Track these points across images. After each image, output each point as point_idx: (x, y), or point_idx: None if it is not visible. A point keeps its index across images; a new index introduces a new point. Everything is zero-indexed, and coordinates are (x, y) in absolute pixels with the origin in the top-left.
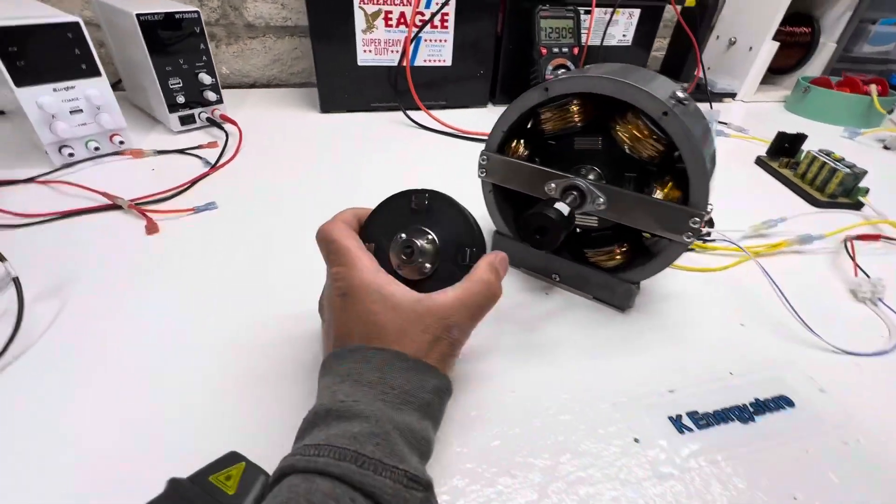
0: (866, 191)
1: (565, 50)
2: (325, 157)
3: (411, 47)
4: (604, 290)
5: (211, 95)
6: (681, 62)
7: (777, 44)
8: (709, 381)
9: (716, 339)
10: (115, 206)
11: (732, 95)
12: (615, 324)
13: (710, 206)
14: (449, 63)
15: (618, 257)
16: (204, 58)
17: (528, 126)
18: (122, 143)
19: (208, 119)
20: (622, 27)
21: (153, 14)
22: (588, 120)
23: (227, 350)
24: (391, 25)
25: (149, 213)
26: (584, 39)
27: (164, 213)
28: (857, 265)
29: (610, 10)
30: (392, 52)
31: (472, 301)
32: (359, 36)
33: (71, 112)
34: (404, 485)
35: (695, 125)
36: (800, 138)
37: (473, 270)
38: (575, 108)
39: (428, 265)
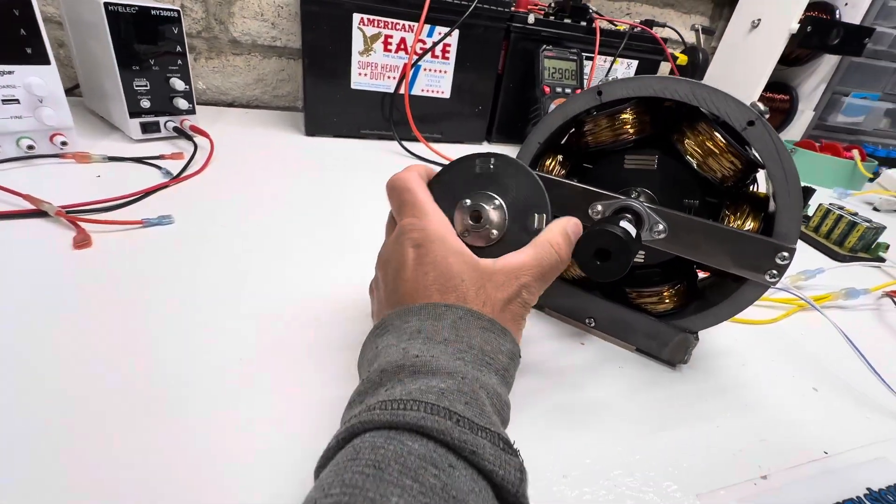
0: (887, 246)
1: (568, 91)
2: (306, 181)
3: (410, 74)
4: (652, 340)
5: (182, 103)
6: None
7: None
8: (803, 464)
9: (793, 408)
10: (39, 213)
11: None
12: (670, 383)
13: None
14: (447, 95)
15: (668, 300)
16: (179, 62)
17: (563, 142)
18: (64, 144)
19: (176, 129)
20: (621, 76)
21: (125, 5)
22: (644, 133)
23: (151, 405)
24: (390, 50)
25: (81, 223)
26: (585, 84)
27: (103, 225)
28: None
29: (610, 58)
30: (389, 77)
31: (542, 262)
32: (355, 58)
33: (3, 101)
34: (501, 448)
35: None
36: (809, 191)
37: (543, 233)
38: (629, 118)
39: (495, 231)
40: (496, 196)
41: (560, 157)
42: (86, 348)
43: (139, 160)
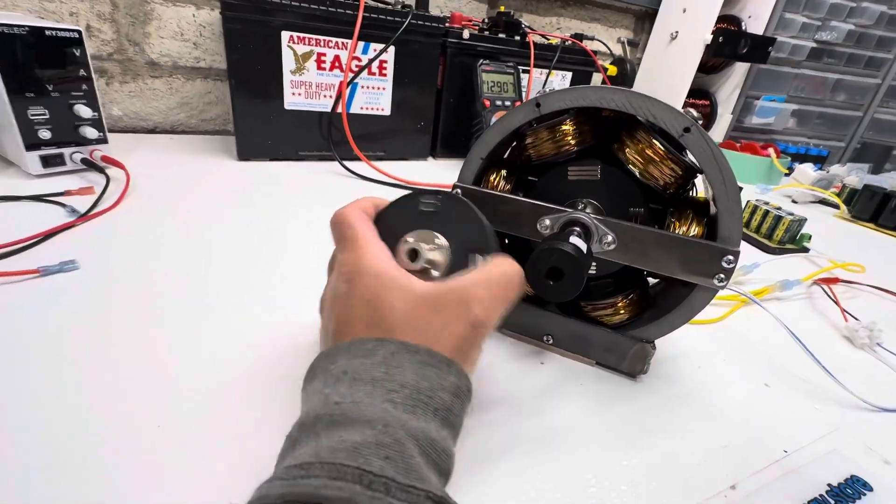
0: (810, 237)
1: (507, 103)
2: (239, 210)
3: (347, 92)
4: (610, 352)
5: (90, 132)
6: None
7: None
8: (767, 466)
9: (749, 408)
10: None
11: None
12: (631, 395)
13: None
14: (388, 112)
15: (623, 311)
16: (84, 87)
17: (506, 157)
18: None
19: (84, 161)
20: (558, 87)
21: (12, 26)
22: (585, 143)
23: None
24: (324, 69)
25: None
26: (524, 95)
27: None
28: (844, 310)
29: (546, 70)
30: (325, 96)
31: (496, 277)
32: (287, 77)
33: None
34: None
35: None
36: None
37: (492, 259)
38: (569, 129)
39: (435, 272)
40: (439, 235)
41: (504, 172)
42: None
43: (38, 198)
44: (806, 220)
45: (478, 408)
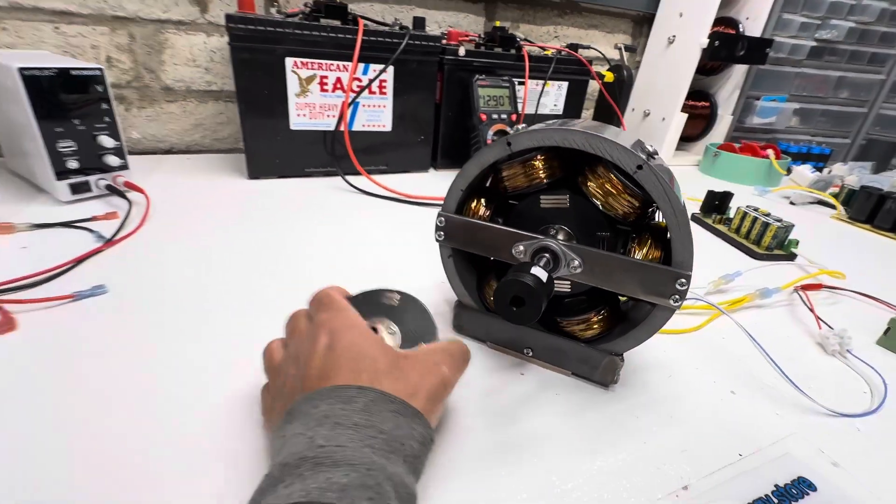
0: (797, 242)
1: (504, 116)
2: (252, 227)
3: (349, 112)
4: (584, 364)
5: (113, 160)
6: None
7: (685, 115)
8: (721, 469)
9: (712, 413)
10: None
11: None
12: (603, 404)
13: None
14: (389, 128)
15: (595, 326)
16: (106, 119)
17: (488, 184)
18: None
19: (108, 187)
20: (553, 97)
21: (41, 69)
22: (554, 176)
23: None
24: (327, 90)
25: (5, 305)
26: (520, 108)
27: (30, 304)
28: (818, 318)
29: (541, 82)
30: (328, 116)
31: (454, 349)
32: (292, 100)
33: None
34: None
35: (668, 179)
36: (727, 196)
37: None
38: (540, 164)
39: None
40: (393, 323)
41: (483, 200)
42: (14, 438)
43: (69, 224)
44: (794, 226)
45: (459, 413)
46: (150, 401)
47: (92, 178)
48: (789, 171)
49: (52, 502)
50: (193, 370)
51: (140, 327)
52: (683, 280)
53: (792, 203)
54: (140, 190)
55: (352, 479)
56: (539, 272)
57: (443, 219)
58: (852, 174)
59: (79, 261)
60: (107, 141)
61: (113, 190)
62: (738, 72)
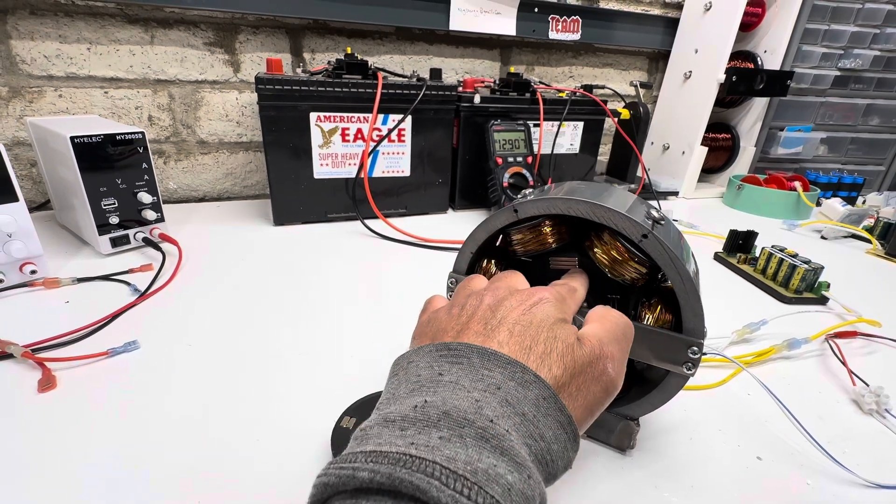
0: (828, 285)
1: (519, 159)
2: (277, 275)
3: (369, 160)
4: (599, 428)
5: (150, 214)
6: (625, 165)
7: (706, 148)
8: None
9: (737, 483)
10: (5, 355)
11: (675, 194)
12: (620, 471)
13: (705, 330)
14: (408, 173)
15: None
16: (146, 177)
17: (497, 244)
18: (34, 272)
19: (144, 239)
20: (569, 137)
21: (89, 136)
22: (563, 241)
23: None
24: (348, 140)
25: (47, 363)
26: (535, 149)
27: (70, 361)
28: (851, 372)
29: (556, 123)
30: (349, 164)
31: (620, 332)
32: (315, 151)
33: None
34: None
35: (676, 246)
36: (751, 235)
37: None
38: (548, 230)
39: None
40: None
41: (494, 260)
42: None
43: (107, 277)
44: (823, 268)
45: None
46: (182, 456)
47: (130, 232)
48: (819, 202)
49: None
50: (215, 434)
51: (168, 383)
52: (695, 348)
53: (823, 237)
54: (173, 241)
55: (515, 481)
56: None
57: (454, 279)
58: (888, 205)
59: (114, 316)
60: (145, 197)
61: (149, 242)
62: (760, 103)
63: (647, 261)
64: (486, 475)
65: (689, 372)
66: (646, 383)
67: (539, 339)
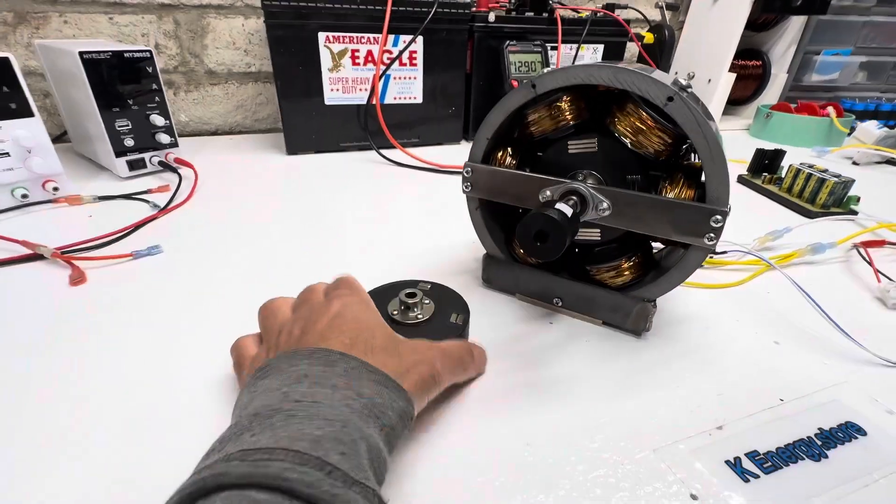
0: (857, 199)
1: None
2: (291, 199)
3: (380, 85)
4: (615, 312)
5: (164, 138)
6: None
7: (734, 75)
8: (759, 412)
9: (752, 362)
10: (36, 256)
11: None
12: (634, 351)
13: (729, 202)
14: (420, 100)
15: (626, 273)
16: (156, 99)
17: (515, 135)
18: (56, 189)
19: (161, 163)
20: (588, 61)
21: (98, 52)
22: (581, 118)
23: (166, 420)
24: (358, 64)
25: (76, 262)
26: None
27: (98, 261)
28: (877, 271)
29: (575, 45)
30: (360, 90)
31: (454, 352)
32: (325, 75)
33: None
34: None
35: (702, 111)
36: (779, 154)
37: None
38: (566, 106)
39: (420, 316)
40: (427, 297)
41: (510, 150)
42: (85, 377)
43: (128, 196)
44: (854, 181)
45: (491, 357)
46: (197, 344)
47: (146, 156)
48: (853, 129)
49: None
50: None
51: (190, 282)
52: (719, 217)
53: (855, 163)
54: (189, 165)
55: (325, 433)
56: (563, 207)
57: (469, 169)
58: None
59: (137, 226)
60: (158, 120)
61: (164, 166)
62: (795, 25)
63: (672, 129)
64: (289, 439)
65: (711, 243)
66: (661, 269)
67: (343, 327)
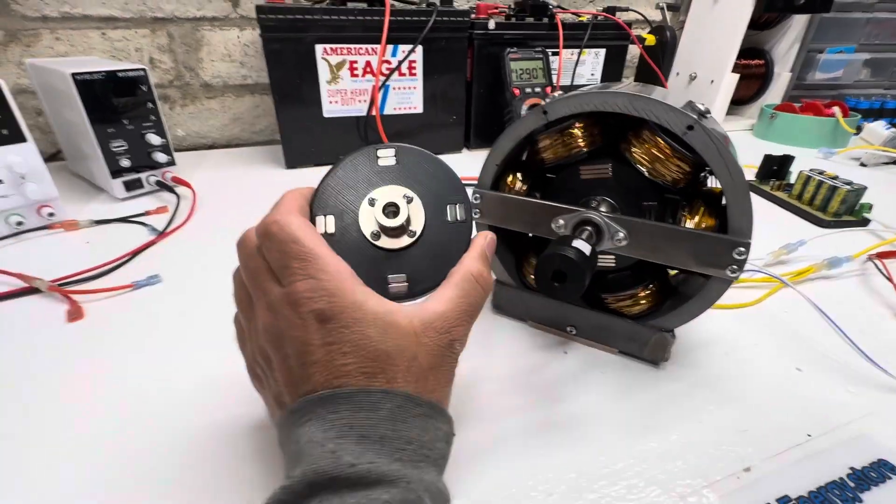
0: (870, 207)
1: (538, 90)
2: None
3: (380, 95)
4: (631, 342)
5: (161, 157)
6: None
7: (737, 76)
8: (787, 450)
9: (775, 392)
10: (32, 290)
11: None
12: (653, 383)
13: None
14: (420, 110)
15: (643, 301)
16: (152, 117)
17: (524, 158)
18: (51, 214)
19: (158, 182)
20: (590, 66)
21: (91, 73)
22: (595, 145)
23: (160, 463)
24: (357, 75)
25: (73, 295)
26: (555, 79)
27: (95, 294)
28: None
29: (576, 51)
30: (360, 101)
31: (470, 303)
32: (323, 88)
33: None
34: None
35: (723, 139)
36: (787, 160)
37: (461, 265)
38: (578, 133)
39: (413, 229)
40: (408, 189)
41: (520, 175)
42: (84, 415)
43: (125, 220)
44: (866, 188)
45: (500, 392)
46: (202, 379)
47: (143, 175)
48: (859, 129)
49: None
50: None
51: (191, 312)
52: (742, 248)
53: (863, 165)
54: (187, 184)
55: (393, 496)
56: (581, 245)
57: (478, 195)
58: None
59: (135, 253)
60: (154, 138)
61: (162, 185)
62: (798, 23)
63: (691, 157)
64: None
65: (734, 275)
66: (680, 296)
67: (350, 357)
